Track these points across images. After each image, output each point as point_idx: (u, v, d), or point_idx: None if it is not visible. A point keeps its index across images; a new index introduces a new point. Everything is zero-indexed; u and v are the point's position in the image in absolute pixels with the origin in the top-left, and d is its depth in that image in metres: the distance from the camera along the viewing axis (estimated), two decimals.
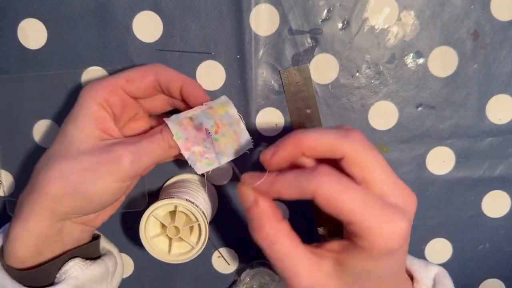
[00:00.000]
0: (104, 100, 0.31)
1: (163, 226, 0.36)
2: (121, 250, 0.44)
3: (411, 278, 0.32)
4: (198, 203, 0.37)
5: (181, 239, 0.36)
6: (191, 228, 0.37)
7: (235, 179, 0.41)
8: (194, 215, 0.35)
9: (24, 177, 0.42)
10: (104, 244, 0.37)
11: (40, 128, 0.41)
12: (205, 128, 0.32)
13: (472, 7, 0.36)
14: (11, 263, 0.31)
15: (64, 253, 0.32)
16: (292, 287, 0.27)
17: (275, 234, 0.28)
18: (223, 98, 0.34)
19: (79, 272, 0.31)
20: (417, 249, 0.42)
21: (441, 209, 0.41)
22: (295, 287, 0.27)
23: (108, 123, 0.32)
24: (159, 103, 0.35)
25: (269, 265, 0.43)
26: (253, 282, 0.43)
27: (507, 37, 0.37)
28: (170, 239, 0.36)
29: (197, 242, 0.36)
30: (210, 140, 0.32)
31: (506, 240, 0.42)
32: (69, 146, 0.30)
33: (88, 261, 0.33)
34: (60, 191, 0.30)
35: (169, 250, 0.36)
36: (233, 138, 0.33)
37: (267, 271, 0.42)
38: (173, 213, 0.36)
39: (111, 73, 0.39)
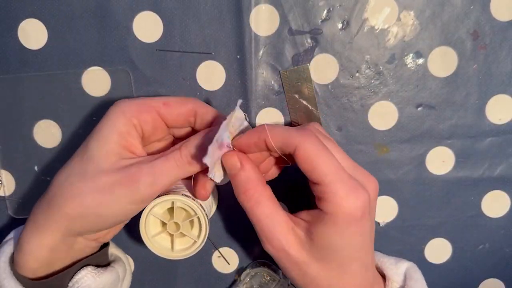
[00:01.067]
0: (135, 116, 0.30)
1: (163, 223, 0.36)
2: (122, 250, 0.44)
3: (383, 277, 0.33)
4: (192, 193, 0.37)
5: (182, 234, 0.36)
6: (191, 222, 0.37)
7: None
8: (193, 209, 0.35)
9: (24, 177, 0.42)
10: (112, 249, 0.37)
11: (40, 128, 0.41)
12: (226, 145, 0.31)
13: (472, 7, 0.36)
14: (22, 273, 0.31)
15: (75, 262, 0.32)
16: (267, 248, 0.30)
17: (259, 196, 0.29)
18: (238, 104, 0.31)
19: (91, 281, 0.31)
20: (416, 249, 0.42)
21: (441, 209, 0.41)
22: (269, 248, 0.30)
23: (132, 140, 0.30)
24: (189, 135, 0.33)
25: (269, 265, 0.43)
26: (253, 282, 0.43)
27: (507, 37, 0.37)
28: (171, 235, 0.36)
29: (199, 236, 0.36)
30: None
31: (506, 240, 0.42)
32: (88, 163, 0.29)
33: (99, 268, 0.33)
34: (76, 212, 0.29)
35: (172, 247, 0.36)
36: None
37: (267, 271, 0.42)
38: (171, 210, 0.36)
39: (111, 73, 0.39)
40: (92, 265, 0.33)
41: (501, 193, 0.40)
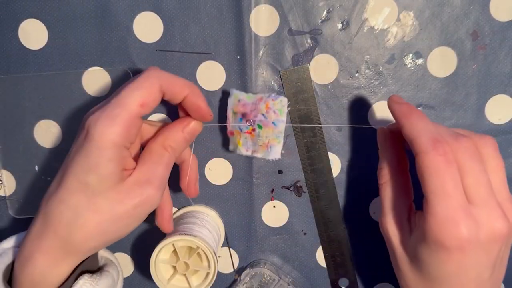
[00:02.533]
0: (125, 139, 0.29)
1: (174, 266, 0.37)
2: (121, 250, 0.44)
3: None
4: (189, 229, 0.37)
5: (194, 270, 0.37)
6: (199, 255, 0.37)
7: (235, 179, 0.41)
8: (195, 244, 0.36)
9: (25, 177, 0.42)
10: (101, 252, 0.37)
11: (40, 128, 0.41)
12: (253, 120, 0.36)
13: (471, 7, 0.36)
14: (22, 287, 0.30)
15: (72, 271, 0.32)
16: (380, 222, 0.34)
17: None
18: (284, 99, 0.37)
19: None
20: None
21: None
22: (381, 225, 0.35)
23: (127, 160, 0.30)
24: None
25: (269, 265, 0.43)
26: (253, 282, 0.43)
27: (507, 37, 0.37)
28: (184, 275, 0.37)
29: (209, 265, 0.36)
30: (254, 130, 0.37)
31: None
32: (96, 198, 0.29)
33: (95, 275, 0.32)
34: (100, 243, 0.30)
35: (190, 285, 0.37)
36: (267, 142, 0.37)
37: (267, 271, 0.42)
38: (175, 252, 0.37)
39: (111, 73, 0.39)
40: (87, 271, 0.32)
41: None
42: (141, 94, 0.29)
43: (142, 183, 0.30)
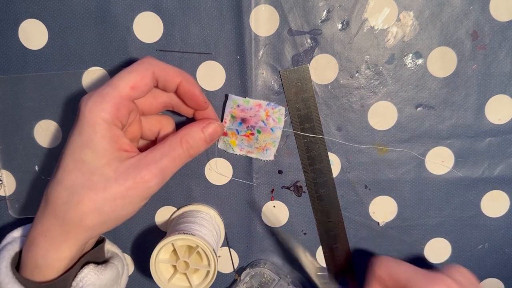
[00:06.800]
0: (115, 117, 0.30)
1: (174, 265, 0.37)
2: (121, 250, 0.44)
3: None
4: (189, 228, 0.37)
5: (194, 269, 0.37)
6: (198, 254, 0.37)
7: (235, 179, 0.41)
8: (194, 242, 0.36)
9: (25, 177, 0.42)
10: (108, 246, 0.37)
11: (40, 128, 0.41)
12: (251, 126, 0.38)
13: (471, 7, 0.37)
14: (29, 276, 0.31)
15: (76, 261, 0.32)
16: None
17: None
18: (282, 109, 0.39)
19: (95, 279, 0.32)
20: (416, 249, 0.42)
21: (440, 209, 0.41)
22: None
23: (122, 139, 0.31)
24: (155, 105, 0.35)
25: (269, 265, 0.43)
26: (253, 282, 0.43)
27: (506, 37, 0.37)
28: (185, 274, 0.37)
29: (210, 264, 0.36)
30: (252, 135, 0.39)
31: (506, 240, 0.42)
32: (91, 175, 0.29)
33: (100, 266, 0.33)
34: (95, 222, 0.30)
35: (190, 284, 0.37)
36: (263, 145, 0.39)
37: (267, 271, 0.42)
38: (175, 251, 0.37)
39: (111, 73, 0.39)
40: (92, 262, 0.33)
41: (500, 193, 0.40)
42: (132, 77, 0.31)
43: (141, 167, 0.30)
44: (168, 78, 0.32)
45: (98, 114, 0.29)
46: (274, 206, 0.42)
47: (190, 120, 0.37)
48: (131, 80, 0.30)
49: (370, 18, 0.37)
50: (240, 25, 0.37)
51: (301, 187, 0.41)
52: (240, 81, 0.39)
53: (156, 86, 0.33)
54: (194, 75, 0.39)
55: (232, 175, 0.41)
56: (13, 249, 0.33)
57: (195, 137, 0.33)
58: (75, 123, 0.30)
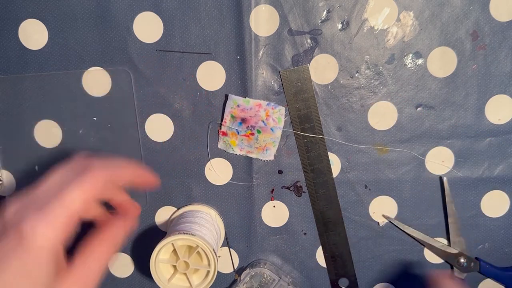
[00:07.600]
0: (62, 238, 0.25)
1: (174, 265, 0.37)
2: (121, 250, 0.44)
3: None
4: (188, 228, 0.37)
5: (194, 269, 0.37)
6: (198, 254, 0.37)
7: (235, 179, 0.41)
8: (194, 242, 0.36)
9: (25, 177, 0.42)
10: None
11: (40, 128, 0.41)
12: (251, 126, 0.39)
13: (471, 7, 0.37)
14: None
15: None
16: None
17: None
18: (282, 109, 0.39)
19: None
20: (416, 249, 0.42)
21: (440, 209, 0.41)
22: None
23: (62, 263, 0.26)
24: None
25: (269, 265, 0.43)
26: (253, 282, 0.43)
27: (506, 37, 0.37)
28: (185, 274, 0.37)
29: (210, 264, 0.36)
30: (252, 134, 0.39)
31: (506, 240, 0.42)
32: None
33: None
34: None
35: (190, 284, 0.37)
36: (263, 145, 0.39)
37: (267, 271, 0.42)
38: (175, 251, 0.37)
39: (112, 73, 0.39)
40: None
41: (500, 193, 0.40)
42: (85, 191, 0.26)
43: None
44: (119, 182, 0.28)
45: (46, 248, 0.24)
46: (274, 206, 0.42)
47: None
48: (82, 195, 0.26)
49: (370, 18, 0.37)
50: (240, 25, 0.37)
51: (301, 187, 0.41)
52: (240, 81, 0.39)
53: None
54: (194, 75, 0.39)
55: (232, 175, 0.41)
56: None
57: (119, 237, 0.28)
58: (13, 247, 0.24)
